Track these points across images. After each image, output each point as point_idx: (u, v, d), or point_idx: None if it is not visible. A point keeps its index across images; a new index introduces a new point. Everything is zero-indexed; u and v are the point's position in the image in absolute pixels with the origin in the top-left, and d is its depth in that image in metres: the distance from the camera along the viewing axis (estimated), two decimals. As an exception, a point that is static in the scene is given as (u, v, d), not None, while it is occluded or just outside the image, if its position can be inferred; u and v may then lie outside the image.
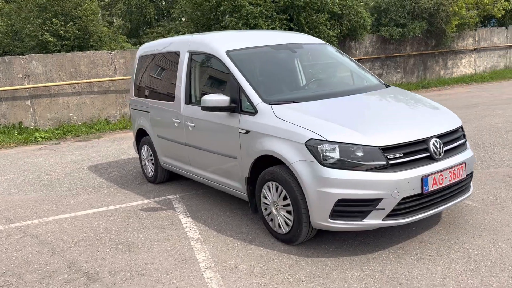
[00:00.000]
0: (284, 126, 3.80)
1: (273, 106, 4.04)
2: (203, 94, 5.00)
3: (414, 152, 3.59)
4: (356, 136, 3.53)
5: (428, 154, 3.63)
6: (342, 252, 3.78)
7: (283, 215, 3.89)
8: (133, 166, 7.52)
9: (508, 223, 4.10)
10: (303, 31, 14.37)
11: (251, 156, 4.13)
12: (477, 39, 18.78)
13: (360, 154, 3.47)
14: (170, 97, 5.37)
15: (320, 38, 12.83)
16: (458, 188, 3.87)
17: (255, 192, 4.23)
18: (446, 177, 3.65)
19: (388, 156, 3.47)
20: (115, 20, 23.49)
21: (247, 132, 4.14)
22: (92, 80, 12.51)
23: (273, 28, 13.88)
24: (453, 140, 3.91)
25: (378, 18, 16.60)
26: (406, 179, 3.44)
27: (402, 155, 3.53)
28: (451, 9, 16.69)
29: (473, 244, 3.74)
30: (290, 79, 4.84)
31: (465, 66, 18.81)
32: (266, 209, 4.12)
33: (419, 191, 3.50)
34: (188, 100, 5.08)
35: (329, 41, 13.97)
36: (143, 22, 24.85)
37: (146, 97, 6.05)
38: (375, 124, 3.78)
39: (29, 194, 6.29)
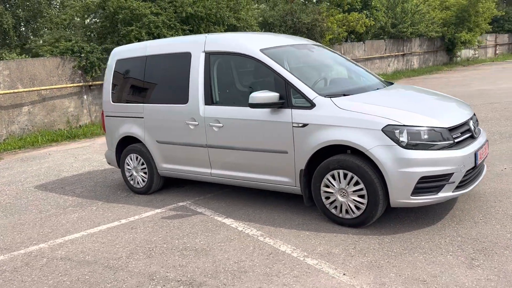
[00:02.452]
0: (354, 116, 4.08)
1: (332, 99, 4.29)
2: (232, 93, 5.03)
3: (464, 132, 4.20)
4: (427, 119, 4.00)
5: (470, 133, 4.27)
6: (408, 227, 4.19)
7: (354, 200, 4.15)
8: (94, 182, 6.93)
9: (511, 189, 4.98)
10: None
11: (309, 149, 4.30)
12: (343, 52, 21.11)
13: (433, 135, 3.94)
14: (181, 99, 5.21)
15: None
16: (483, 163, 4.60)
17: (312, 183, 4.41)
18: (483, 152, 4.34)
19: (453, 136, 4.02)
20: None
21: (305, 125, 4.31)
22: (-30, 95, 10.97)
23: (176, 39, 13.82)
24: (475, 122, 4.64)
25: (270, 30, 17.66)
26: (468, 154, 4.02)
27: (460, 134, 4.11)
28: (325, 24, 18.55)
29: (502, 207, 4.49)
30: (322, 74, 5.10)
31: (335, 76, 20.91)
32: (327, 197, 4.32)
33: (473, 165, 4.11)
34: (209, 101, 5.00)
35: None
36: (-3, 31, 22.21)
37: (137, 101, 5.71)
38: (430, 110, 4.30)
39: (-6, 221, 5.41)
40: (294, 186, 4.55)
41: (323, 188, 4.33)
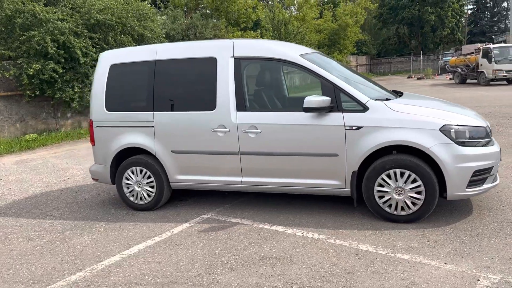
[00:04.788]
0: (411, 118, 4.36)
1: (385, 102, 4.52)
2: (267, 98, 4.96)
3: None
4: (471, 120, 4.47)
5: (491, 132, 4.87)
6: (454, 219, 4.56)
7: (411, 196, 4.41)
8: (66, 203, 6.14)
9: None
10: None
11: (364, 150, 4.45)
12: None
13: (478, 133, 4.42)
14: (206, 105, 4.96)
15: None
16: None
17: (363, 184, 4.56)
18: (498, 149, 4.97)
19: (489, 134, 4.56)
20: None
21: (359, 128, 4.46)
22: None
23: (85, 46, 12.92)
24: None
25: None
26: (499, 150, 4.58)
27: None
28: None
29: (509, 196, 5.17)
30: (354, 80, 5.26)
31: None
32: (381, 197, 4.52)
33: (500, 159, 4.70)
34: (242, 107, 4.86)
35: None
36: None
37: (144, 109, 5.25)
38: (464, 112, 4.77)
39: (-23, 254, 4.50)
40: (343, 188, 4.65)
41: (376, 188, 4.50)
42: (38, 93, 12.83)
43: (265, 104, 5.04)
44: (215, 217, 5.05)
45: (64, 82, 12.98)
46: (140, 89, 5.33)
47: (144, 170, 5.32)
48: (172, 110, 5.13)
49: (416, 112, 4.42)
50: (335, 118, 4.54)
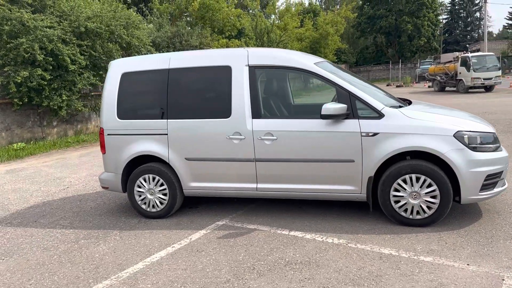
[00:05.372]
0: (425, 124, 4.50)
1: (400, 109, 4.65)
2: (282, 105, 5.04)
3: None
4: (482, 126, 4.64)
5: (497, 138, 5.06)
6: (466, 222, 4.70)
7: (426, 201, 4.54)
8: (72, 211, 6.07)
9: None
10: (100, 59, 13.88)
11: (380, 156, 4.56)
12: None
13: (489, 139, 4.59)
14: (221, 113, 5.01)
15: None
16: None
17: (379, 189, 4.67)
18: (504, 154, 5.16)
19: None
20: None
21: (375, 134, 4.58)
22: None
23: (73, 54, 12.80)
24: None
25: (158, 51, 17.33)
26: (508, 155, 4.77)
27: (497, 139, 4.85)
28: (211, 48, 18.99)
29: (510, 199, 5.38)
30: (366, 87, 5.37)
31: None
32: (397, 201, 4.63)
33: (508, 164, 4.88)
34: (257, 114, 4.93)
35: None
36: None
37: (157, 117, 5.25)
38: (472, 119, 4.94)
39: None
40: (359, 193, 4.74)
41: (392, 193, 4.61)
42: (26, 100, 12.62)
43: (280, 111, 5.12)
44: (230, 223, 5.08)
45: (52, 90, 12.81)
46: (153, 97, 5.34)
47: (157, 177, 5.32)
48: (186, 118, 5.15)
49: (430, 119, 4.56)
50: (351, 125, 4.64)
